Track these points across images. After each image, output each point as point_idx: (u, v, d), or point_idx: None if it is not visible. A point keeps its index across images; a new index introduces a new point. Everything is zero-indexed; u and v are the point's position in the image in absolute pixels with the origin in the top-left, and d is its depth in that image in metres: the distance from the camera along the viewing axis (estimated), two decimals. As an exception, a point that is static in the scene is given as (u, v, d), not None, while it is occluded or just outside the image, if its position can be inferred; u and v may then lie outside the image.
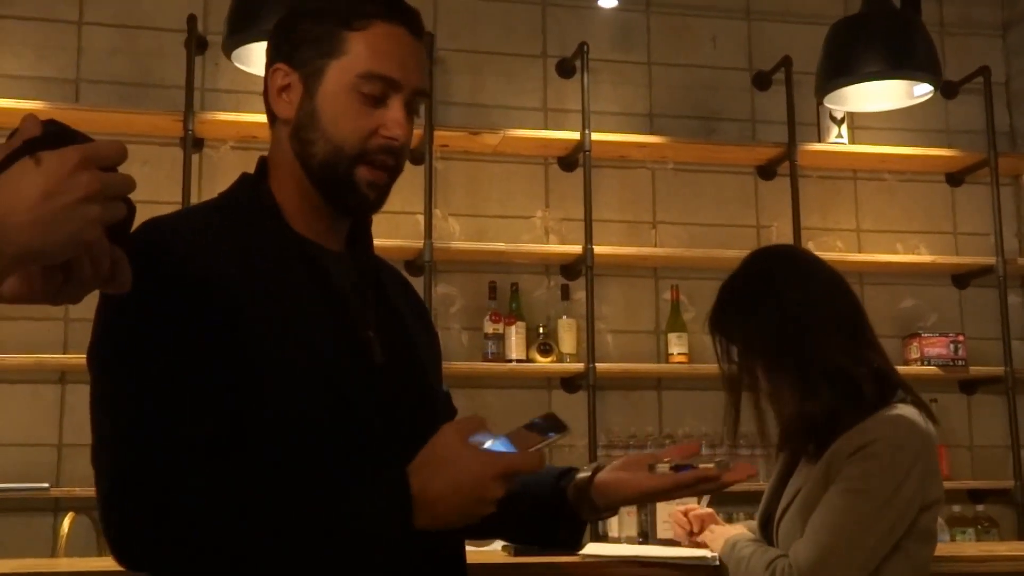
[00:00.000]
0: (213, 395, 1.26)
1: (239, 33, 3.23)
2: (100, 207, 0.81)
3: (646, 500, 1.51)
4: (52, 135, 0.83)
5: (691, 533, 2.16)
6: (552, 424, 1.33)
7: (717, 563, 1.98)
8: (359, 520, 1.24)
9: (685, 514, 2.20)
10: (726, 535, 2.01)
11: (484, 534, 1.75)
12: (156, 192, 3.81)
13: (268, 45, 1.48)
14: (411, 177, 3.99)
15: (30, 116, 0.85)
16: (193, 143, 3.86)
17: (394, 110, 1.40)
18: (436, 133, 3.93)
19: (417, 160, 4.00)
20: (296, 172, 1.41)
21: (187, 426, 1.25)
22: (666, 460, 1.51)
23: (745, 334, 1.92)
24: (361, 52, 1.39)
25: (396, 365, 1.41)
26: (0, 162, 0.81)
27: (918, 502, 1.81)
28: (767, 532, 1.96)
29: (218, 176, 3.94)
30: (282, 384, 1.28)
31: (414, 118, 1.44)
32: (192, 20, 3.90)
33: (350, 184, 1.40)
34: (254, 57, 3.38)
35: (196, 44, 3.91)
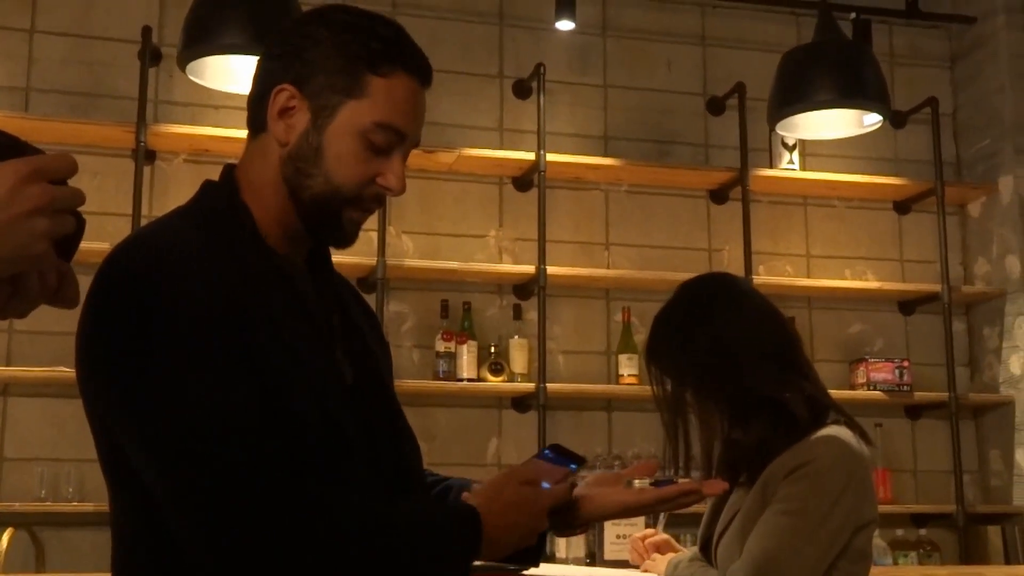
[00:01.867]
0: (270, 404, 1.26)
1: (194, 46, 3.21)
2: (49, 220, 0.80)
3: (627, 515, 1.53)
4: (1, 146, 0.82)
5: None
6: (569, 455, 1.41)
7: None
8: (437, 544, 1.28)
9: (643, 540, 2.21)
10: (669, 558, 2.03)
11: None
12: (106, 204, 3.77)
13: (268, 55, 1.43)
14: (365, 194, 3.98)
15: None
16: (145, 155, 3.82)
17: (396, 162, 1.39)
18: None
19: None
20: (280, 192, 1.39)
21: (264, 430, 1.24)
22: (635, 479, 1.53)
23: (676, 364, 1.94)
24: (380, 100, 1.37)
25: (364, 384, 1.41)
26: None
27: (852, 522, 1.83)
28: (707, 556, 1.98)
29: (170, 189, 3.91)
30: (285, 405, 1.28)
31: None
32: (147, 31, 3.87)
33: (336, 222, 1.39)
34: (209, 71, 3.37)
35: (150, 56, 3.88)
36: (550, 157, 4.11)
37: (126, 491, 1.30)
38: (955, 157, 4.73)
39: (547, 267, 4.03)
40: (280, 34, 1.44)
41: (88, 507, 3.59)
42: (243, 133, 3.91)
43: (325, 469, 1.28)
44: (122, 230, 3.70)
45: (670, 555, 2.08)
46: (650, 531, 2.24)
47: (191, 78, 3.36)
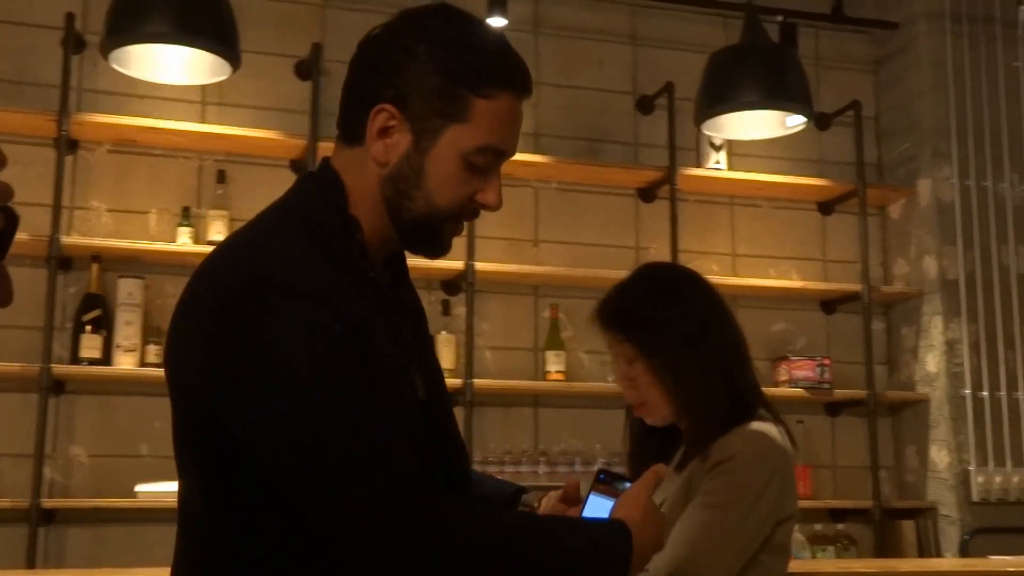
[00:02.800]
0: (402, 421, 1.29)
1: (118, 34, 3.16)
2: None
3: None
4: None
5: None
6: (618, 475, 1.49)
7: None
8: (593, 551, 1.30)
9: None
10: None
11: None
12: (26, 194, 3.67)
13: (364, 66, 1.38)
14: (294, 187, 3.94)
15: None
16: (67, 144, 3.75)
17: (494, 181, 1.38)
18: (321, 145, 3.90)
19: (300, 171, 3.97)
20: (378, 209, 1.36)
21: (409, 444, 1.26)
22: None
23: (654, 336, 1.94)
24: (484, 124, 1.34)
25: (434, 400, 1.42)
26: None
27: (774, 517, 1.87)
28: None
29: (93, 179, 3.83)
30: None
31: None
32: (70, 18, 3.80)
33: (436, 238, 1.39)
34: (134, 60, 3.31)
35: (73, 43, 3.80)
36: (480, 153, 4.10)
37: (222, 493, 1.29)
38: (877, 160, 4.83)
39: (476, 263, 4.03)
40: (376, 43, 1.39)
41: (4, 503, 3.53)
42: (169, 124, 3.85)
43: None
44: (43, 221, 3.63)
45: None
46: None
47: (115, 67, 3.31)
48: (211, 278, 1.30)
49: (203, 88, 3.97)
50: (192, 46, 3.20)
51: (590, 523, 1.40)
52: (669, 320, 1.94)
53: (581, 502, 1.49)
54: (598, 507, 1.45)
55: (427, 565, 1.20)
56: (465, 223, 1.42)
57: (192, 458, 1.31)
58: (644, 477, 1.43)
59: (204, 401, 1.26)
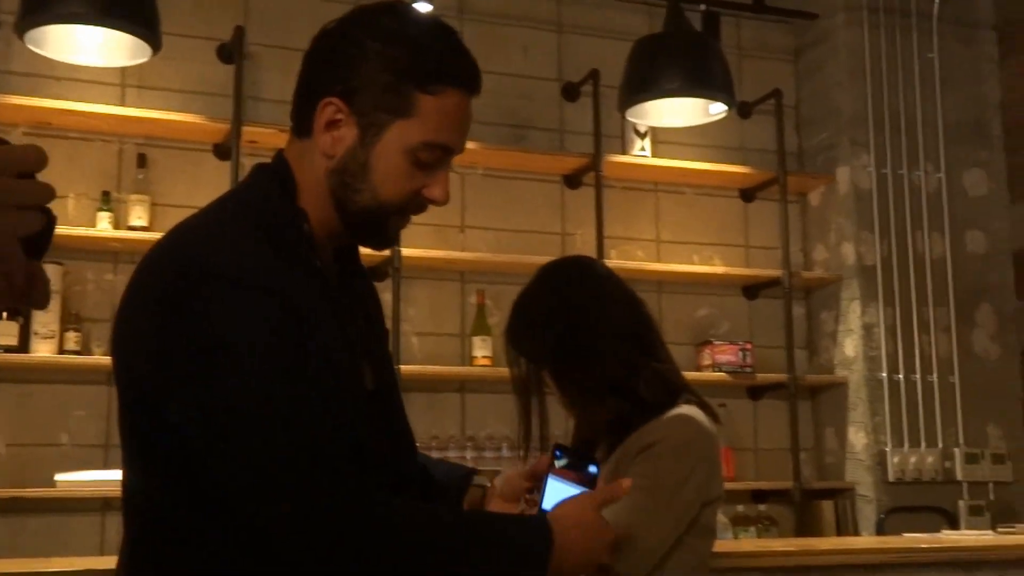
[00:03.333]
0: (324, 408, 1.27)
1: (34, 14, 3.08)
2: (16, 218, 0.73)
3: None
4: None
5: None
6: (578, 454, 1.49)
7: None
8: (508, 548, 1.29)
9: None
10: None
11: None
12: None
13: (316, 58, 1.40)
14: (218, 173, 3.90)
15: None
16: (-19, 127, 3.65)
17: (442, 176, 1.39)
18: (245, 129, 3.85)
19: (224, 156, 3.92)
20: (326, 201, 1.37)
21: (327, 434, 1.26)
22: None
23: (534, 345, 1.98)
24: (430, 119, 1.35)
25: (383, 390, 1.43)
26: None
27: (700, 499, 1.90)
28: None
29: (8, 162, 3.74)
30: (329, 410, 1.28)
31: None
32: (-17, -3, 3.70)
33: (382, 231, 1.40)
34: (51, 40, 3.24)
35: (-13, 22, 3.71)
36: (406, 139, 4.09)
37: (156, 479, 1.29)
38: (797, 148, 4.92)
39: (402, 249, 4.02)
40: (328, 37, 1.40)
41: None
42: (87, 106, 3.77)
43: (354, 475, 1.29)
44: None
45: None
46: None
47: (31, 48, 3.23)
48: (158, 267, 1.30)
49: (123, 70, 3.89)
50: (111, 27, 3.13)
51: (508, 521, 1.41)
52: (553, 330, 1.97)
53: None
54: (557, 493, 1.44)
55: (328, 558, 1.21)
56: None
57: (137, 448, 1.32)
58: (604, 490, 1.46)
59: (148, 390, 1.27)
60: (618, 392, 1.92)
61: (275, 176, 1.39)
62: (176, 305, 1.24)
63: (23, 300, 0.77)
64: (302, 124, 1.40)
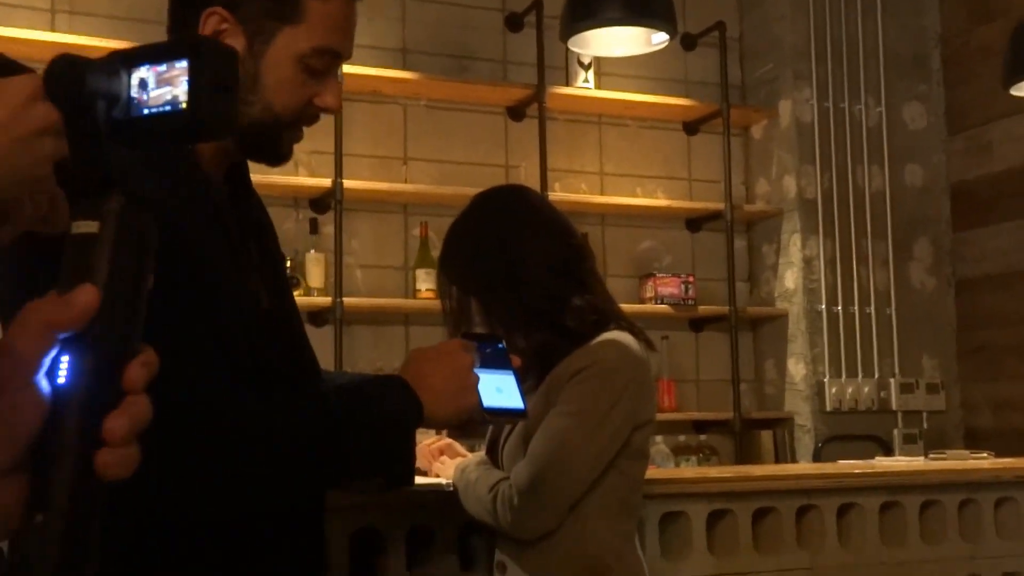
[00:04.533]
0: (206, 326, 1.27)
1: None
2: (54, 142, 0.73)
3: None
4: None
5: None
6: (485, 336, 1.53)
7: (452, 488, 2.05)
8: (381, 403, 1.32)
9: (428, 446, 2.26)
10: (457, 462, 2.08)
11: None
12: None
13: None
14: (152, 102, 3.80)
15: None
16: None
17: (333, 83, 1.36)
18: (180, 57, 3.76)
19: (159, 84, 3.83)
20: None
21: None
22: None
23: (462, 273, 1.99)
24: (318, 24, 1.32)
25: (278, 310, 1.41)
26: None
27: (631, 423, 1.93)
28: (493, 458, 2.04)
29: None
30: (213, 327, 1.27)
31: None
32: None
33: (276, 144, 1.37)
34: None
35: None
36: (347, 69, 4.01)
37: None
38: (740, 80, 4.92)
39: (344, 181, 3.98)
40: None
41: None
42: (14, 31, 3.64)
43: (247, 387, 1.29)
44: None
45: (458, 459, 2.14)
46: (433, 438, 2.29)
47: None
48: None
49: (53, -4, 3.77)
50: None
51: (374, 384, 1.44)
52: (481, 258, 1.98)
53: None
54: (492, 384, 1.43)
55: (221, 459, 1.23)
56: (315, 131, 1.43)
57: None
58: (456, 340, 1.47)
59: None
60: (543, 323, 1.94)
61: None
62: None
63: (44, 224, 0.77)
64: None
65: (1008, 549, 2.67)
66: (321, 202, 4.10)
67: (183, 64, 0.64)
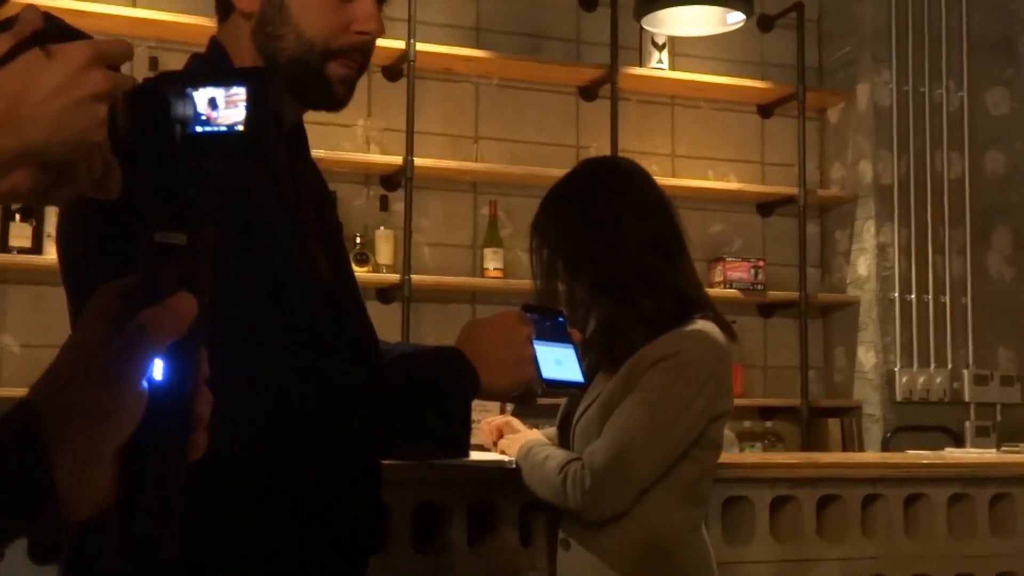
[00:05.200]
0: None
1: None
2: (108, 107, 0.75)
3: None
4: (58, 29, 0.77)
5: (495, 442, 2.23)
6: (547, 309, 1.51)
7: (514, 466, 2.05)
8: (436, 369, 1.33)
9: (489, 424, 2.27)
10: (522, 440, 2.08)
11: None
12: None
13: None
14: (229, 77, 3.85)
15: (31, 7, 0.79)
16: (-9, 26, 3.61)
17: (366, 4, 1.35)
18: (256, 33, 3.80)
19: (235, 59, 3.88)
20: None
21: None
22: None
23: (554, 232, 1.98)
24: None
25: (339, 283, 1.42)
26: (7, 51, 0.74)
27: (708, 414, 1.92)
28: (564, 434, 2.04)
29: (19, 63, 3.71)
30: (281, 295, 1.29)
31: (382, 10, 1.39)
32: None
33: (322, 80, 1.35)
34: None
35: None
36: (420, 47, 4.04)
37: None
38: (817, 63, 4.84)
39: (415, 158, 4.00)
40: None
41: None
42: (97, 7, 3.70)
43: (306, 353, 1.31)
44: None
45: (525, 436, 2.13)
46: (495, 415, 2.30)
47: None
48: None
49: (134, -29, 3.84)
50: (121, -74, 3.07)
51: (429, 354, 1.42)
52: (576, 221, 1.97)
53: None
54: (551, 356, 1.42)
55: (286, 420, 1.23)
56: (358, 67, 1.39)
57: None
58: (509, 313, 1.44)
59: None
60: (623, 299, 1.92)
61: (208, 59, 1.38)
62: None
63: (98, 189, 0.79)
64: (222, 6, 1.39)
65: (1081, 546, 2.61)
66: (391, 179, 4.12)
67: (241, 90, 0.74)
